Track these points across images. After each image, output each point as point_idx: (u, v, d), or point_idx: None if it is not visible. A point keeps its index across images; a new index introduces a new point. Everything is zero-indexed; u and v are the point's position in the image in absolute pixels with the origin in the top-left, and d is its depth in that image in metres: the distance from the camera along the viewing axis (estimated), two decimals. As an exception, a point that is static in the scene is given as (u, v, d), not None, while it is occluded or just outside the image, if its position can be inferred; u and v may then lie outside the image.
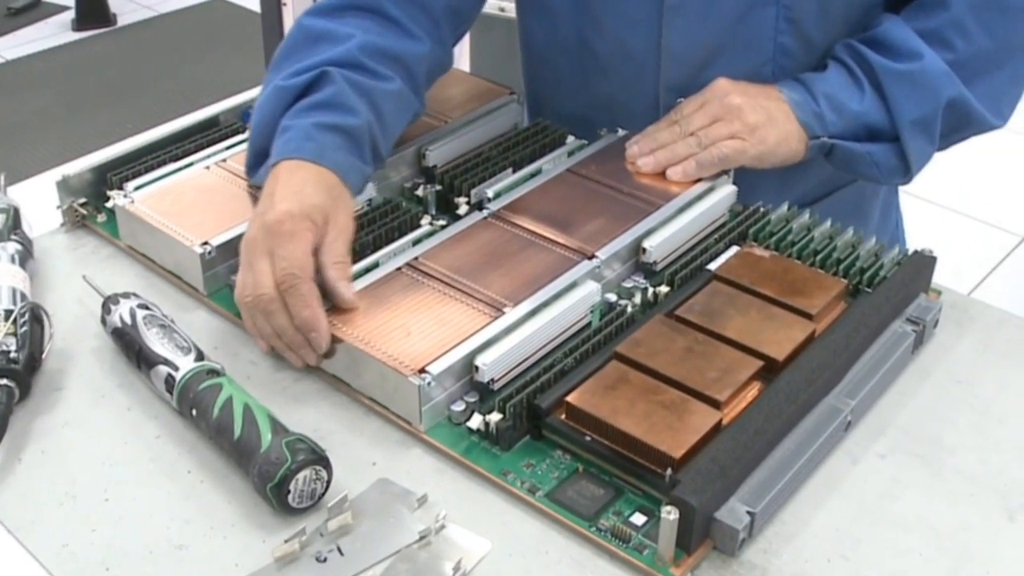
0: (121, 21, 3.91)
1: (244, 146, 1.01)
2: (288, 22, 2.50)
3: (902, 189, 1.17)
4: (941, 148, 0.98)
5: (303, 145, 0.84)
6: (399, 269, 0.85)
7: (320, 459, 0.69)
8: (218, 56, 3.63)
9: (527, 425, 0.74)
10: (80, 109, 3.28)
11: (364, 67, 0.91)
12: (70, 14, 3.88)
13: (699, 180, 0.94)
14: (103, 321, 0.83)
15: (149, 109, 3.24)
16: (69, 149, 2.99)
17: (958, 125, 0.97)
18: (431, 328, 0.78)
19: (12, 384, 0.77)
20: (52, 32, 3.82)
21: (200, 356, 0.77)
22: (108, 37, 3.81)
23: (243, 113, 1.08)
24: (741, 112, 0.92)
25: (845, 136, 0.95)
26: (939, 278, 0.88)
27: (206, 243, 0.87)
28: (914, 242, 1.05)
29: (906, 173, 0.97)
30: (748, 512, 0.66)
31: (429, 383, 0.73)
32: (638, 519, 0.68)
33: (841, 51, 0.97)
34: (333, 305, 0.80)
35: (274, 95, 0.89)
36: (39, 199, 1.04)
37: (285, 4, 2.52)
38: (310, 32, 0.93)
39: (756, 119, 0.92)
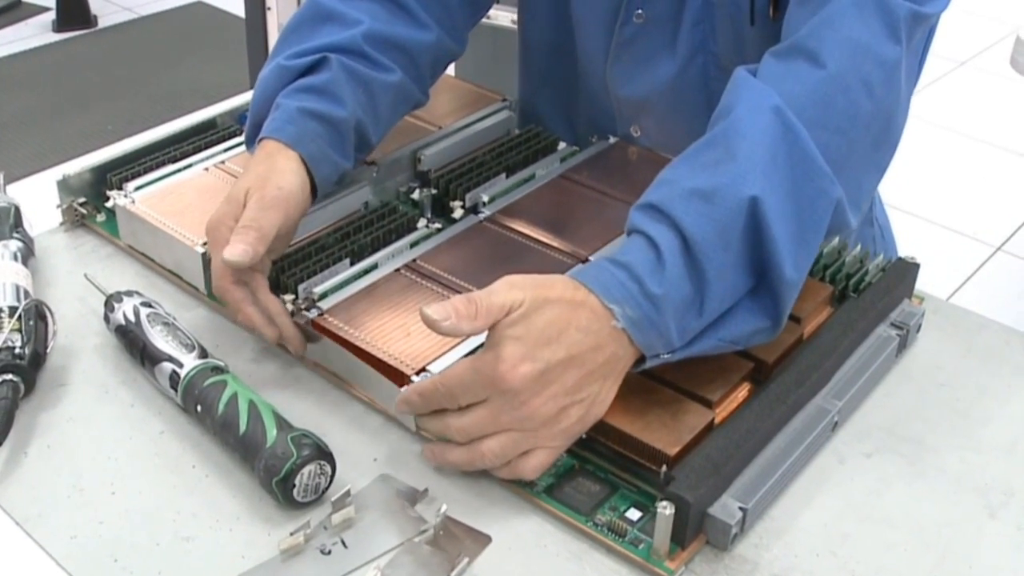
0: (102, 23, 3.91)
1: (241, 148, 1.03)
2: (272, 26, 2.52)
3: (883, 201, 1.19)
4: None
5: (284, 127, 0.87)
6: (398, 270, 0.87)
7: (324, 454, 0.70)
8: (199, 59, 3.64)
9: (524, 423, 0.76)
10: (61, 110, 3.28)
11: (366, 55, 0.93)
12: (51, 15, 3.88)
13: None
14: (106, 319, 0.84)
15: (130, 111, 3.24)
16: (50, 150, 2.99)
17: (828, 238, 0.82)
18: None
19: (18, 379, 0.78)
20: (33, 33, 3.81)
21: (204, 353, 0.79)
22: (89, 38, 3.81)
23: (240, 116, 1.10)
24: (547, 424, 0.69)
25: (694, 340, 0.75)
26: (917, 286, 0.90)
27: (207, 243, 0.89)
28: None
29: (776, 332, 0.76)
30: (740, 508, 0.68)
31: (429, 383, 0.75)
32: (633, 514, 0.70)
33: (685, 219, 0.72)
34: (333, 305, 0.82)
35: (275, 73, 0.91)
36: (28, 199, 1.04)
37: (270, 8, 2.53)
38: (321, 9, 0.95)
39: (566, 422, 0.70)
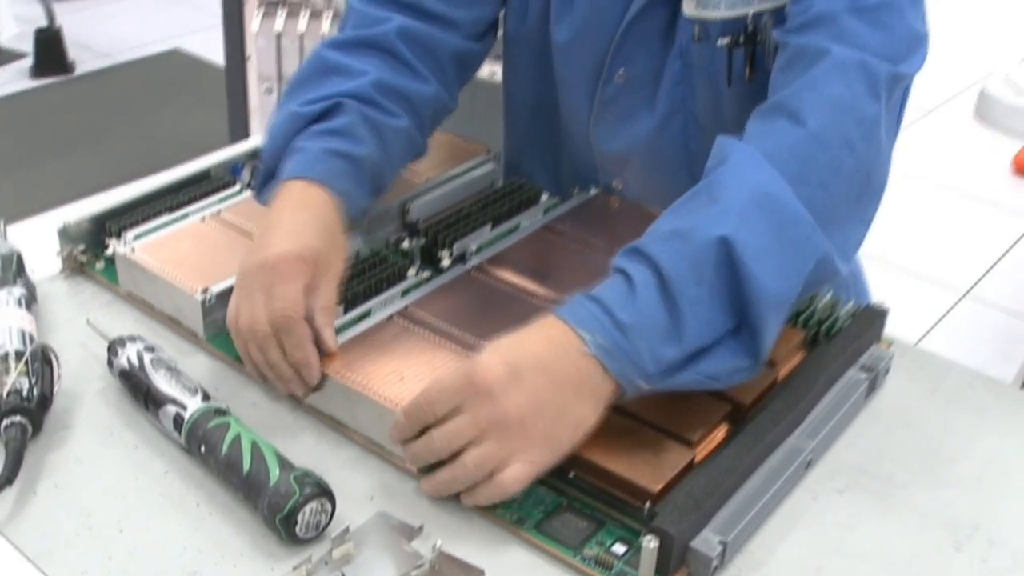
0: (79, 69, 3.94)
1: (237, 199, 1.07)
2: (252, 75, 2.55)
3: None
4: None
5: (312, 167, 0.91)
6: (390, 317, 0.90)
7: (325, 492, 0.74)
8: (177, 106, 3.67)
9: (514, 462, 0.79)
10: (39, 156, 3.30)
11: (376, 103, 0.97)
12: (28, 61, 3.90)
13: None
14: (109, 363, 0.88)
15: (110, 157, 3.26)
16: (28, 197, 3.01)
17: (811, 291, 0.87)
18: (424, 372, 0.84)
19: (26, 421, 0.81)
20: (10, 79, 3.83)
21: (206, 396, 0.82)
22: (67, 85, 3.84)
23: (233, 167, 1.14)
24: (522, 427, 0.74)
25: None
26: (886, 330, 0.95)
27: (206, 290, 0.92)
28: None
29: (754, 372, 0.80)
30: (720, 542, 0.72)
31: (425, 423, 0.79)
32: (619, 548, 0.74)
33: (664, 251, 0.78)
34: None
35: (289, 120, 0.95)
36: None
37: (249, 57, 2.58)
38: (326, 63, 0.99)
39: (541, 429, 0.75)
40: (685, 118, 1.02)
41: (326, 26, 2.37)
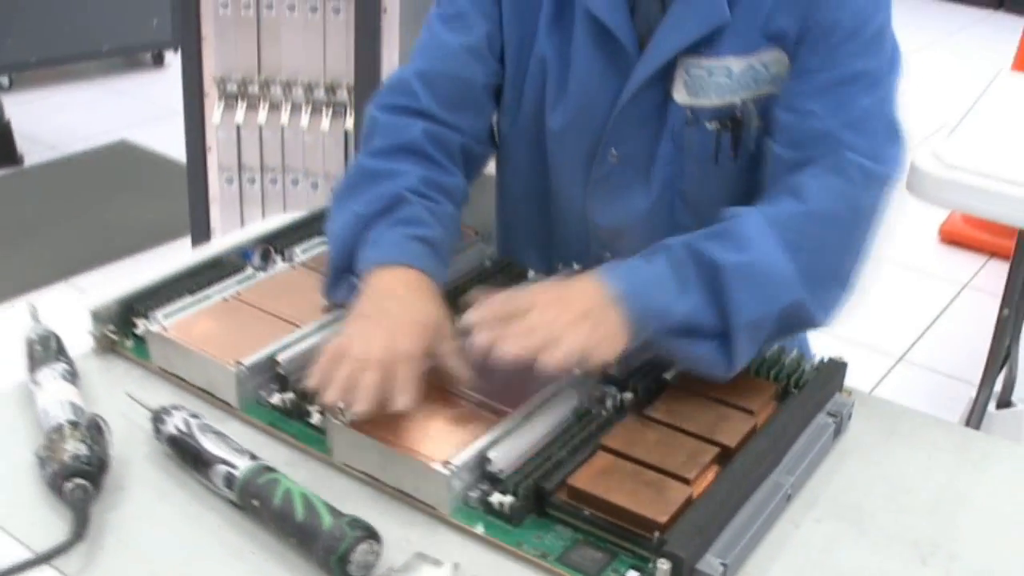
0: (27, 161, 3.99)
1: (250, 282, 1.17)
2: (213, 167, 2.63)
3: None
4: (763, 350, 1.03)
5: (395, 253, 1.02)
6: (410, 381, 1.01)
7: (374, 534, 0.83)
8: (126, 197, 3.72)
9: (533, 504, 0.90)
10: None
11: (428, 196, 1.09)
12: (-25, 153, 3.95)
13: None
14: (156, 431, 0.96)
15: (60, 249, 3.30)
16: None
17: (790, 329, 1.03)
18: (447, 428, 0.94)
19: (88, 483, 0.90)
20: (-43, 171, 3.88)
21: (253, 456, 0.92)
22: (16, 176, 3.89)
23: (244, 252, 1.24)
24: (576, 310, 0.93)
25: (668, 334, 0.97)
26: (846, 382, 1.08)
27: (239, 363, 1.02)
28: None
29: (728, 370, 0.98)
30: (722, 563, 0.83)
31: (454, 473, 0.89)
32: (632, 575, 0.84)
33: (678, 247, 0.99)
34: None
35: (354, 220, 1.06)
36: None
37: (210, 148, 2.67)
38: (370, 171, 1.11)
39: (590, 324, 0.93)
40: (673, 194, 1.14)
41: (285, 117, 2.47)
